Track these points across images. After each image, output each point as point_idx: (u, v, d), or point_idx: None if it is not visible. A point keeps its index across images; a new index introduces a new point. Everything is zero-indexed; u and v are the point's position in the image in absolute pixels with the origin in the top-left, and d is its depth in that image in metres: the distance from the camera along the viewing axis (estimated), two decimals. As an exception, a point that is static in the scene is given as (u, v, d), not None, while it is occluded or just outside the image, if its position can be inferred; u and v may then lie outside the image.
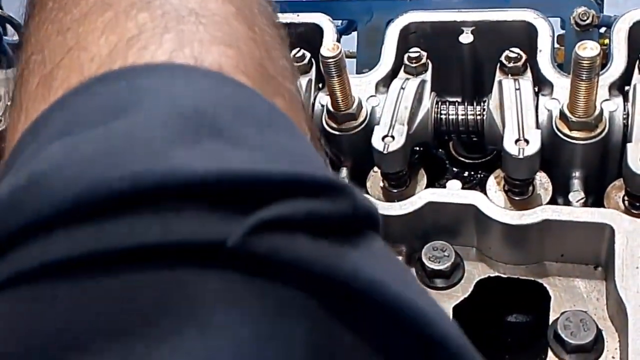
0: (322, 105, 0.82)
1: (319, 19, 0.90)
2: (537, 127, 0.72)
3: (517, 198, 0.76)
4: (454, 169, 0.90)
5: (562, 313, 0.67)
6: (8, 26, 1.16)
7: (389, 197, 0.81)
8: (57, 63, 0.33)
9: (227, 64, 0.33)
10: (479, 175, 0.88)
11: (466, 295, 0.73)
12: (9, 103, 0.89)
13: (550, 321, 0.68)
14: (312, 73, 0.86)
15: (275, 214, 0.24)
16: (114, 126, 0.26)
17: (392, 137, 0.75)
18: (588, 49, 0.65)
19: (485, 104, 0.79)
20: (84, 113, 0.28)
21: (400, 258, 0.74)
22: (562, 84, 0.76)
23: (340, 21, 1.04)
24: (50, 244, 0.23)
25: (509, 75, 0.78)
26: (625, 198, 0.73)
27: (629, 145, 0.69)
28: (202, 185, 0.24)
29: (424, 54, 0.83)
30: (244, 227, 0.23)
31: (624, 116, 0.74)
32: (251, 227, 0.23)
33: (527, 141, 0.70)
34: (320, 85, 0.86)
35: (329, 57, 0.74)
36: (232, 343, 0.21)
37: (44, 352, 0.22)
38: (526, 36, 0.82)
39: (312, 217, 0.24)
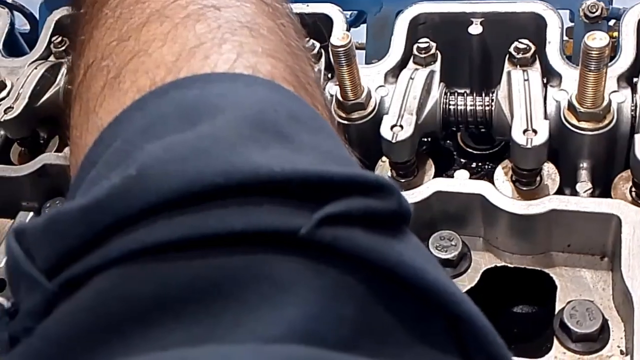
0: (331, 95, 0.83)
1: (328, 9, 0.91)
2: (546, 117, 0.73)
3: (524, 188, 0.76)
4: (462, 160, 0.90)
5: (569, 302, 0.67)
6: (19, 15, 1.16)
7: (396, 187, 0.81)
8: (122, 67, 0.37)
9: (276, 74, 0.37)
10: (486, 167, 0.88)
11: (473, 285, 0.73)
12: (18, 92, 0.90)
13: (556, 310, 0.69)
14: (322, 63, 0.86)
15: (337, 209, 0.27)
16: (200, 129, 0.31)
17: (401, 126, 0.76)
18: (597, 39, 0.65)
19: (494, 94, 0.80)
20: (164, 115, 0.33)
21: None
22: (570, 75, 0.76)
23: (349, 13, 1.04)
24: (155, 228, 0.27)
25: (518, 66, 0.78)
26: (633, 189, 0.73)
27: (636, 136, 0.69)
28: (278, 182, 0.28)
29: (433, 44, 0.83)
30: (313, 220, 0.27)
31: (632, 108, 0.74)
32: (319, 220, 0.27)
33: (535, 131, 0.70)
34: (330, 75, 0.87)
35: (339, 46, 0.75)
36: (300, 316, 0.25)
37: (145, 313, 0.25)
38: (535, 27, 0.82)
39: (366, 213, 0.28)
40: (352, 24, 1.03)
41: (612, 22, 0.90)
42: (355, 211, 0.28)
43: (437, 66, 0.82)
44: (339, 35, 0.76)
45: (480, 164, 0.89)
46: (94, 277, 0.27)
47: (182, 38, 0.37)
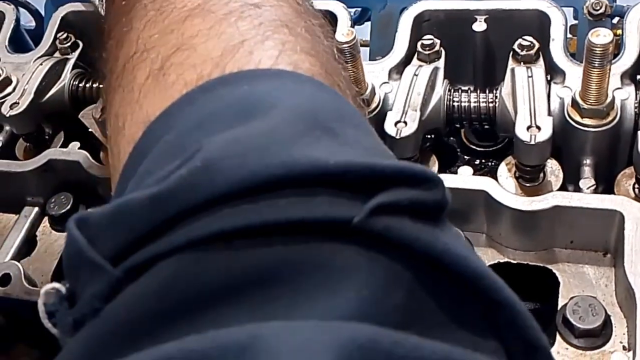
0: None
1: (333, 6, 0.91)
2: (549, 114, 0.73)
3: (527, 184, 0.76)
4: (465, 156, 0.90)
5: (571, 298, 0.67)
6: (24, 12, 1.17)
7: (400, 183, 0.81)
8: (167, 60, 0.38)
9: (315, 72, 0.39)
10: (490, 163, 0.89)
11: (476, 280, 0.73)
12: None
13: (559, 306, 0.69)
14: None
15: (387, 199, 0.29)
16: (257, 125, 0.32)
17: (405, 122, 0.76)
18: (601, 35, 0.65)
19: (498, 91, 0.80)
20: (217, 111, 0.34)
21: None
22: (574, 72, 0.77)
23: (353, 10, 1.04)
24: (220, 217, 0.29)
25: (522, 63, 0.78)
26: (636, 185, 0.74)
27: (639, 133, 0.70)
28: (333, 175, 0.29)
29: (437, 41, 0.83)
30: (365, 210, 0.28)
31: (636, 104, 0.74)
32: (370, 209, 0.28)
33: (538, 128, 0.70)
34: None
35: (344, 43, 0.75)
36: (356, 299, 0.27)
37: (209, 298, 0.27)
38: (539, 25, 0.82)
39: (414, 203, 0.30)
40: (356, 21, 1.04)
41: (615, 20, 0.91)
42: (404, 201, 0.29)
43: (441, 63, 0.83)
44: (343, 32, 0.76)
45: (483, 160, 0.89)
46: (158, 263, 0.29)
47: (225, 34, 0.39)
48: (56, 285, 0.31)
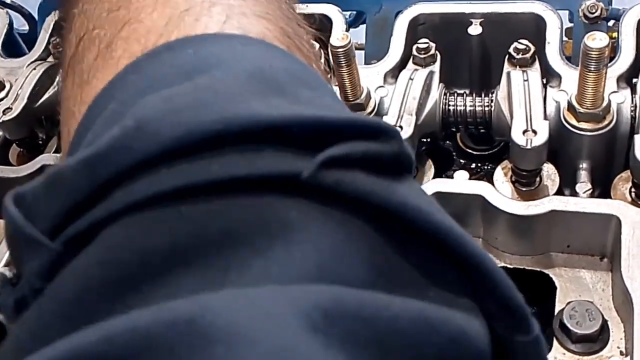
0: (331, 96, 0.83)
1: (328, 9, 0.90)
2: (545, 118, 0.72)
3: (524, 189, 0.76)
4: (461, 160, 0.90)
5: (568, 303, 0.67)
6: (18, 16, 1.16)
7: (396, 188, 0.81)
8: (114, 36, 0.37)
9: (267, 35, 0.37)
10: (486, 167, 0.88)
11: (472, 285, 0.73)
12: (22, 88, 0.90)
13: (556, 311, 0.69)
14: (321, 64, 0.86)
15: (337, 152, 0.27)
16: (198, 82, 0.31)
17: (400, 127, 0.76)
18: (597, 39, 0.65)
19: (493, 95, 0.80)
20: (161, 75, 0.33)
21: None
22: (570, 76, 0.76)
23: (348, 13, 1.04)
24: (158, 178, 0.27)
25: (518, 66, 0.78)
26: (632, 189, 0.74)
27: (636, 136, 0.69)
28: (277, 128, 0.28)
29: (433, 45, 0.83)
30: (315, 163, 0.27)
31: (632, 108, 0.74)
32: (320, 162, 0.27)
33: (535, 132, 0.70)
34: (329, 76, 0.87)
35: (339, 47, 0.75)
36: (314, 256, 0.25)
37: (155, 264, 0.25)
38: (535, 28, 0.82)
39: (367, 156, 0.28)
40: (351, 24, 1.03)
41: (611, 23, 0.90)
42: (356, 154, 0.28)
43: (436, 67, 0.82)
44: (338, 36, 0.76)
45: (479, 164, 0.89)
46: (100, 232, 0.27)
47: (171, 3, 0.37)
48: (2, 269, 0.29)
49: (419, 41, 0.83)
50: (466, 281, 0.27)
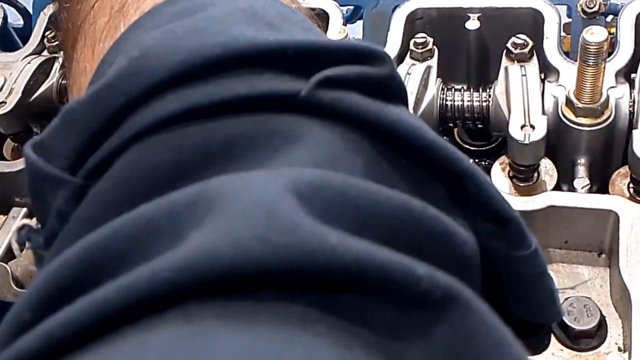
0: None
1: (325, 4, 0.90)
2: (543, 113, 0.72)
3: (521, 184, 0.76)
4: (459, 156, 0.89)
5: (566, 299, 0.67)
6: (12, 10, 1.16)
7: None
8: (124, 2, 0.38)
9: None
10: (483, 163, 0.88)
11: (469, 281, 0.72)
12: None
13: (554, 307, 0.68)
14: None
15: (332, 73, 0.28)
16: (196, 16, 0.32)
17: (398, 122, 0.75)
18: (595, 33, 0.65)
19: (491, 90, 0.79)
20: (160, 22, 0.34)
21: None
22: (568, 70, 0.76)
23: (345, 9, 1.03)
24: (166, 102, 0.28)
25: (516, 61, 0.78)
26: (631, 185, 0.73)
27: (634, 132, 0.69)
28: (274, 52, 0.29)
29: (430, 39, 0.82)
30: (312, 82, 0.28)
31: (630, 103, 0.73)
32: (317, 82, 0.28)
33: (533, 127, 0.70)
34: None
35: (335, 41, 0.74)
36: (310, 158, 0.26)
37: (166, 179, 0.26)
38: (533, 23, 0.82)
39: (360, 78, 0.29)
40: (348, 19, 1.03)
41: (609, 18, 0.90)
42: (350, 75, 0.29)
43: (434, 61, 0.82)
44: (336, 30, 0.75)
45: (477, 159, 0.89)
46: (115, 160, 0.28)
47: None
48: (26, 221, 0.30)
49: (416, 36, 0.83)
50: (458, 198, 0.28)
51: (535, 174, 0.76)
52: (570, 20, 0.92)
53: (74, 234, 0.27)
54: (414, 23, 0.87)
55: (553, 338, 0.66)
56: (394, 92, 0.30)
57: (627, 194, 0.73)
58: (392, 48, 0.84)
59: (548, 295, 0.32)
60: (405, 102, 0.32)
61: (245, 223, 0.22)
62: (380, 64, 0.30)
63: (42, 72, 0.93)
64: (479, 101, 0.80)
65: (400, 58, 0.83)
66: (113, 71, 0.29)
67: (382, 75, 0.30)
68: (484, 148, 0.88)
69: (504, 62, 0.78)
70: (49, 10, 1.00)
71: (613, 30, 0.85)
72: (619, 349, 0.64)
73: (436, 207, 0.26)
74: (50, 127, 0.30)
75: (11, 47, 1.06)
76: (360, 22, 1.06)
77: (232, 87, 0.28)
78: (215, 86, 0.28)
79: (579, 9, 0.87)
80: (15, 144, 0.95)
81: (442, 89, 0.82)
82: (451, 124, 0.84)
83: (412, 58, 0.83)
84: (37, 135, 0.31)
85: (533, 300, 0.32)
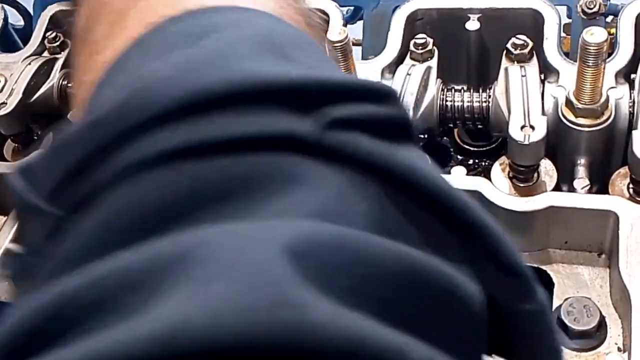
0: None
1: (325, 5, 0.90)
2: (543, 114, 0.72)
3: (521, 185, 0.76)
4: (459, 156, 0.90)
5: (566, 299, 0.67)
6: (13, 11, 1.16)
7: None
8: (125, 8, 0.37)
9: (271, 8, 0.37)
10: (483, 163, 0.88)
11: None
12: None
13: (554, 308, 0.69)
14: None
15: (342, 113, 0.27)
16: (202, 44, 0.31)
17: (398, 122, 0.75)
18: (595, 34, 0.65)
19: (491, 90, 0.79)
20: (164, 44, 0.33)
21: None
22: (568, 71, 0.76)
23: (345, 9, 1.03)
24: (161, 138, 0.27)
25: (515, 62, 0.78)
26: (630, 185, 0.73)
27: (634, 132, 0.69)
28: (281, 88, 0.28)
29: (430, 40, 0.83)
30: (320, 124, 0.27)
31: (630, 104, 0.74)
32: (324, 124, 0.27)
33: (532, 127, 0.70)
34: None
35: (336, 42, 0.74)
36: (312, 202, 0.26)
37: (157, 220, 0.25)
38: (533, 23, 0.82)
39: (368, 118, 0.28)
40: (348, 20, 1.03)
41: (609, 19, 0.90)
42: (357, 116, 0.28)
43: (434, 62, 0.82)
44: (336, 31, 0.75)
45: (477, 160, 0.89)
46: (102, 194, 0.27)
47: None
48: (10, 245, 0.29)
49: (417, 36, 0.83)
50: (468, 249, 0.27)
51: (535, 175, 0.76)
52: (570, 20, 0.92)
53: (53, 273, 0.26)
54: (414, 24, 0.87)
55: (553, 338, 0.66)
56: (405, 132, 0.29)
57: (627, 195, 0.73)
58: (392, 49, 0.85)
59: (554, 355, 0.31)
60: (416, 142, 0.31)
61: (229, 290, 0.21)
62: (389, 102, 0.29)
63: (42, 73, 0.93)
64: (479, 102, 0.80)
65: (400, 59, 0.84)
66: (111, 102, 0.28)
67: (392, 115, 0.29)
68: (484, 148, 0.88)
69: (504, 62, 0.79)
70: (50, 11, 1.00)
71: (613, 30, 0.85)
72: (619, 349, 0.64)
73: (445, 257, 0.26)
74: (40, 153, 0.29)
75: (12, 48, 1.06)
76: (360, 23, 1.06)
77: (233, 126, 0.27)
78: (215, 125, 0.27)
79: (579, 9, 0.87)
80: (16, 145, 0.96)
81: (442, 90, 0.82)
82: (451, 125, 0.84)
83: (412, 59, 0.83)
84: (27, 159, 0.29)
85: (538, 357, 0.31)
